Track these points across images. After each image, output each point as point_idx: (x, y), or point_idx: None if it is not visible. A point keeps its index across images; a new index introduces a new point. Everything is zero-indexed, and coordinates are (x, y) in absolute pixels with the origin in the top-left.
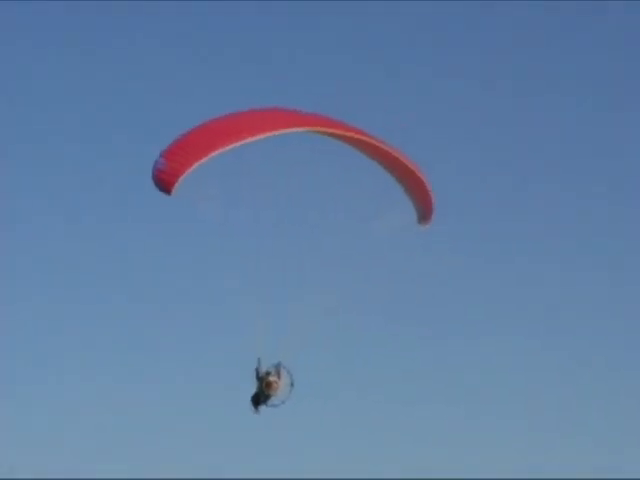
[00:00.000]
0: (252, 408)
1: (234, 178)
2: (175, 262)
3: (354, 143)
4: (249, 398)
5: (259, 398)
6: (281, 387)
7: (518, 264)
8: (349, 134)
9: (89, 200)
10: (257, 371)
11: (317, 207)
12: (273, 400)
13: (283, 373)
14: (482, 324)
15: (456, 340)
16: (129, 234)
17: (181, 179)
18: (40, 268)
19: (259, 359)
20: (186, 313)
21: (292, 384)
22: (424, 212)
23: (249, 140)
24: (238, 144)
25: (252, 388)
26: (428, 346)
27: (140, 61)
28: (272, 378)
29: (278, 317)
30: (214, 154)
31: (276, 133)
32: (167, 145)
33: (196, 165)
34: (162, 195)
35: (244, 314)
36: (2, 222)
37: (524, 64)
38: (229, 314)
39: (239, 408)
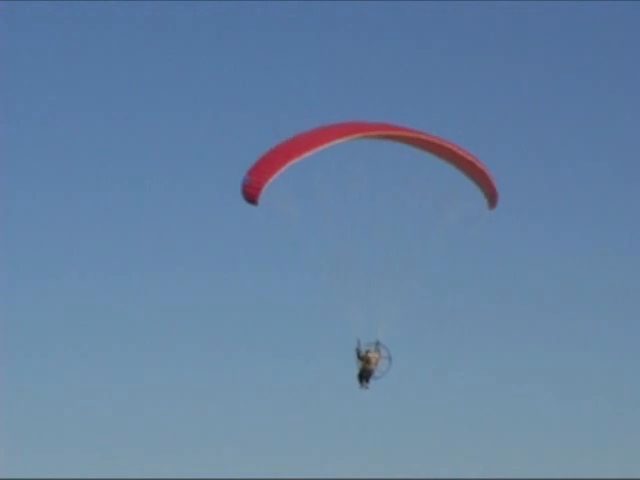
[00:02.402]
0: (359, 384)
1: (313, 185)
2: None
3: (417, 143)
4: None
5: (363, 375)
6: (380, 361)
7: None
8: (412, 135)
9: None
10: (358, 351)
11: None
12: (375, 374)
13: (381, 349)
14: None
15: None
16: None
17: (263, 189)
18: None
19: (358, 340)
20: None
21: (390, 358)
22: (491, 197)
23: (315, 151)
24: (306, 155)
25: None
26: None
27: None
28: (371, 354)
29: (370, 302)
30: (287, 166)
31: (344, 140)
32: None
33: (275, 176)
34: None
35: (340, 304)
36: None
37: None
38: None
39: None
